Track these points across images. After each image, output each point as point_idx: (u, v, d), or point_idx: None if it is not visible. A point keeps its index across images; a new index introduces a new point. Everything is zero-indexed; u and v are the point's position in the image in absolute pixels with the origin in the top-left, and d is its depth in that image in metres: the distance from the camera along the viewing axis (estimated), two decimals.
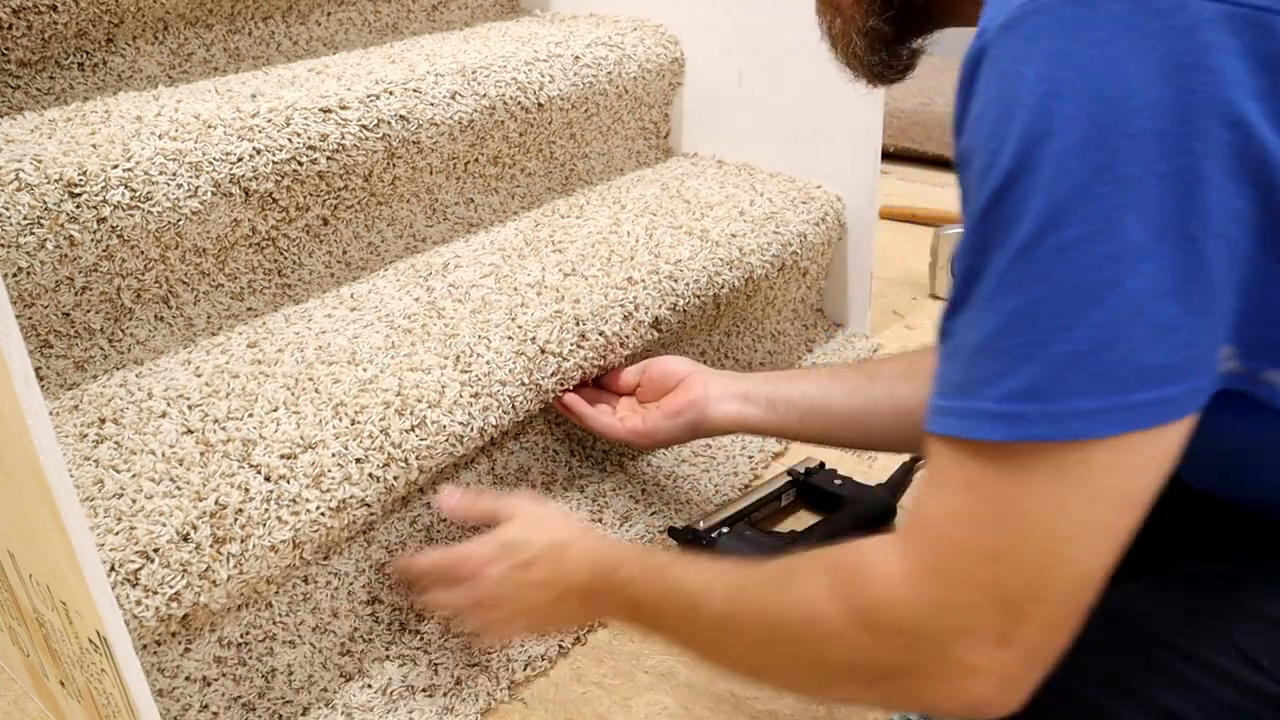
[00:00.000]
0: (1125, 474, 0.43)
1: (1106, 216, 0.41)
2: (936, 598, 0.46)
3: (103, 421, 0.76)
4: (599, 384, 0.94)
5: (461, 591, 0.71)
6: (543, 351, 0.86)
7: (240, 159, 0.86)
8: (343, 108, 0.94)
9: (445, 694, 0.76)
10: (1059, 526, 0.44)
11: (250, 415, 0.76)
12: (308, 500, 0.70)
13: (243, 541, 0.67)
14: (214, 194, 0.85)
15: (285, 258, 0.95)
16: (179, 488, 0.69)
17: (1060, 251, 0.42)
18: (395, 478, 0.75)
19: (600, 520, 0.93)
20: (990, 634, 0.45)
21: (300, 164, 0.90)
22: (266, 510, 0.69)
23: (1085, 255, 0.41)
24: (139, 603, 0.63)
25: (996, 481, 0.44)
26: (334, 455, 0.73)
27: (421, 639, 0.81)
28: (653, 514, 0.95)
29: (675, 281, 0.99)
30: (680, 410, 0.85)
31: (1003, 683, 0.45)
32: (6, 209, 0.74)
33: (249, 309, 0.93)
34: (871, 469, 1.04)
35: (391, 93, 0.98)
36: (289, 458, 0.72)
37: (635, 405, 0.91)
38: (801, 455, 1.03)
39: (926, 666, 0.46)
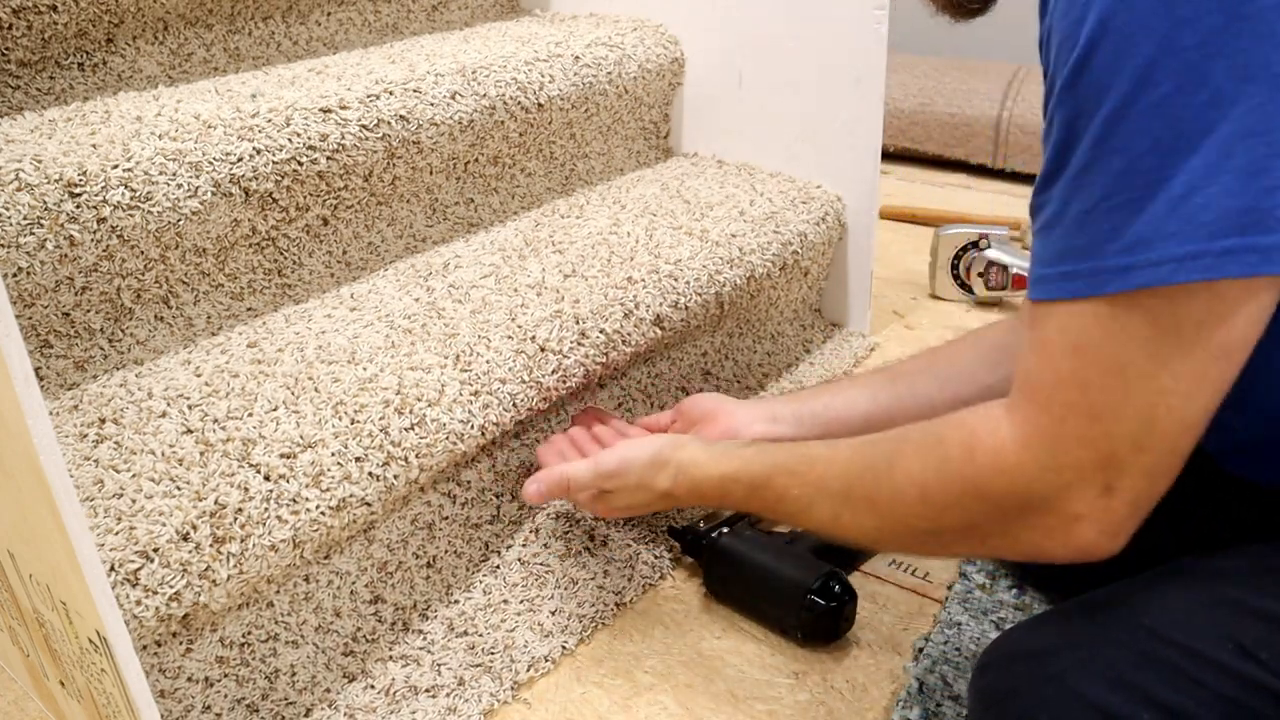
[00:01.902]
0: (1217, 324, 0.45)
1: (1195, 67, 0.42)
2: (1046, 460, 0.50)
3: (103, 421, 0.76)
4: (635, 424, 0.94)
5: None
6: (542, 350, 0.86)
7: (240, 159, 0.86)
8: (343, 108, 0.94)
9: (448, 694, 0.76)
10: (1158, 378, 0.46)
11: (250, 415, 0.76)
12: (308, 499, 0.70)
13: (243, 541, 0.67)
14: (214, 194, 0.85)
15: (285, 258, 0.95)
16: (179, 487, 0.69)
17: (1155, 107, 0.43)
18: (395, 476, 0.75)
19: (603, 519, 0.93)
20: (1096, 486, 0.49)
21: (300, 164, 0.90)
22: (266, 510, 0.69)
23: (1181, 107, 0.43)
24: (139, 603, 0.63)
25: (1101, 341, 0.47)
26: (334, 454, 0.73)
27: (425, 639, 0.81)
28: (655, 513, 0.95)
29: (675, 280, 0.99)
30: (713, 439, 0.85)
31: (1107, 527, 0.50)
32: (6, 209, 0.74)
33: (249, 309, 0.93)
34: None
35: (391, 93, 0.98)
36: (289, 457, 0.72)
37: None
38: None
39: (1037, 521, 0.51)
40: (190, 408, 0.77)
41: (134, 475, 0.70)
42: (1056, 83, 0.47)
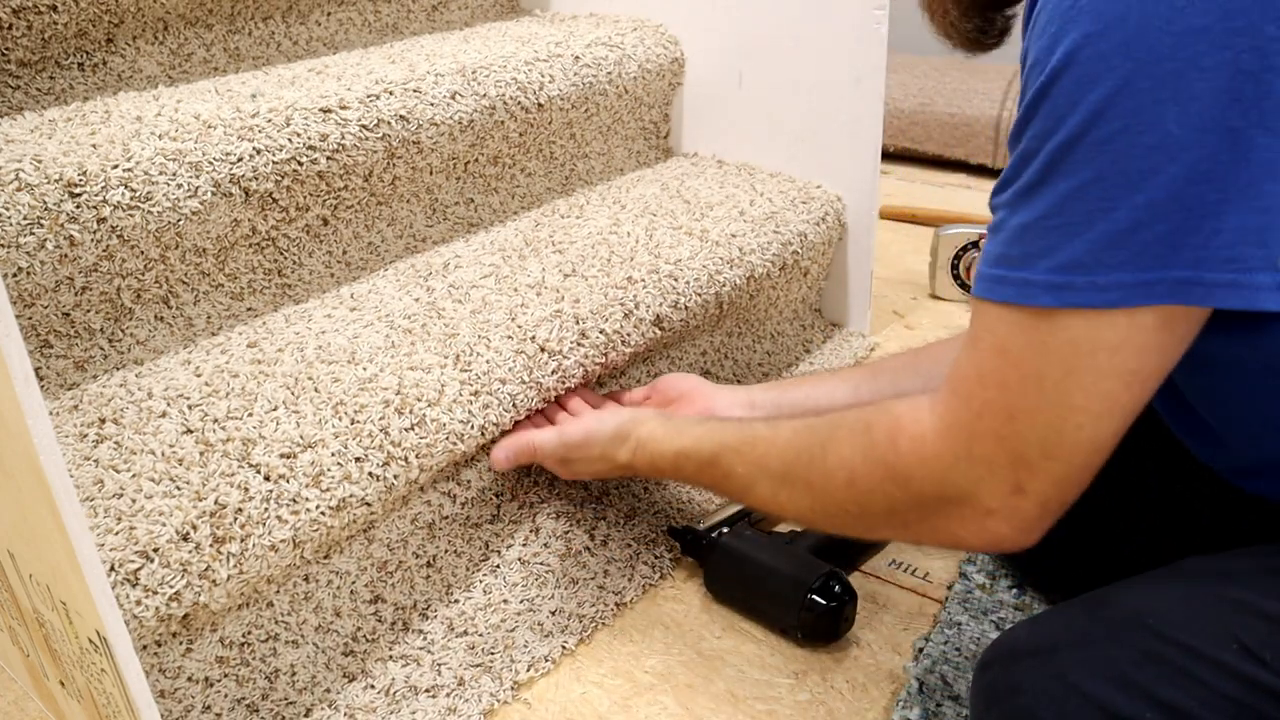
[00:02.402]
0: (1132, 351, 0.48)
1: (1148, 110, 0.44)
2: (962, 450, 0.53)
3: (103, 421, 0.76)
4: (609, 398, 0.95)
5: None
6: (542, 350, 0.86)
7: (240, 159, 0.86)
8: (343, 108, 0.94)
9: (448, 694, 0.76)
10: (1071, 394, 0.49)
11: (250, 415, 0.76)
12: (307, 499, 0.70)
13: (243, 541, 0.67)
14: (214, 194, 0.85)
15: (285, 258, 0.95)
16: (179, 487, 0.69)
17: (1105, 142, 0.45)
18: (395, 476, 0.75)
19: (604, 519, 0.93)
20: (1006, 483, 0.52)
21: (300, 164, 0.90)
22: (266, 510, 0.69)
23: (1128, 145, 0.45)
24: (139, 602, 0.63)
25: (1023, 349, 0.50)
26: (334, 454, 0.73)
27: (425, 638, 0.81)
28: (655, 513, 0.95)
29: (675, 280, 0.99)
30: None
31: (1018, 524, 0.53)
32: (6, 209, 0.74)
33: (249, 309, 0.93)
34: None
35: (391, 93, 0.98)
36: (289, 457, 0.72)
37: None
38: None
39: (953, 511, 0.54)
40: (190, 408, 0.78)
41: (134, 475, 0.70)
42: (1024, 101, 0.49)
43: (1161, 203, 0.45)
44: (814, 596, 0.79)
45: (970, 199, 1.81)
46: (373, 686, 0.76)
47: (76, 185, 0.77)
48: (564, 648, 0.81)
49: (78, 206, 0.77)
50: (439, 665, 0.78)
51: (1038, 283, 0.48)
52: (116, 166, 0.79)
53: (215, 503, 0.68)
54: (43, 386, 0.80)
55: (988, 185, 1.90)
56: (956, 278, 1.41)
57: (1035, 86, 0.48)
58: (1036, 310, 0.49)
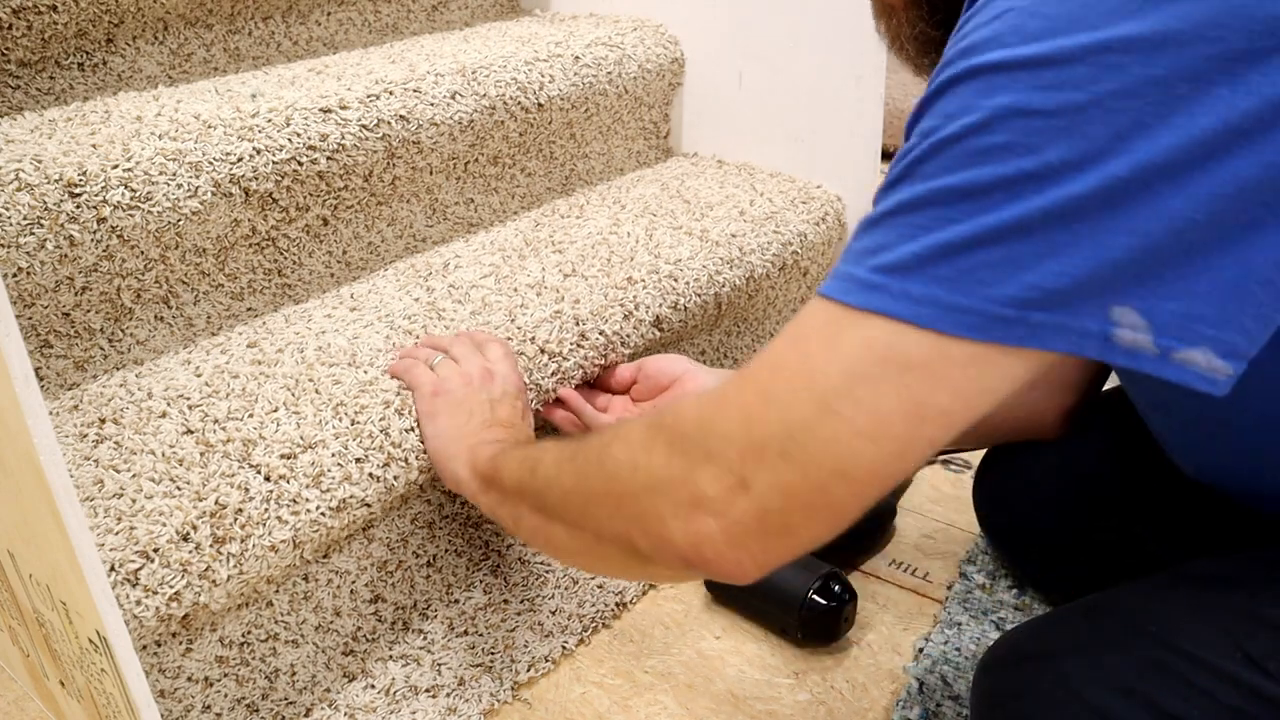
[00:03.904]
0: (926, 380, 0.42)
1: (1035, 133, 0.40)
2: (706, 415, 0.47)
3: (103, 421, 0.76)
4: (595, 381, 0.94)
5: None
6: (542, 351, 0.86)
7: (240, 159, 0.86)
8: (343, 108, 0.94)
9: (448, 694, 0.76)
10: (834, 399, 0.43)
11: (250, 415, 0.76)
12: (308, 500, 0.70)
13: (243, 541, 0.67)
14: (214, 194, 0.85)
15: (285, 258, 0.95)
16: (179, 488, 0.69)
17: (972, 155, 0.41)
18: (395, 477, 0.75)
19: None
20: (733, 470, 0.45)
21: (300, 164, 0.90)
22: (266, 510, 0.69)
23: (994, 163, 0.40)
24: (139, 603, 0.63)
25: (812, 338, 0.44)
26: (334, 455, 0.73)
27: (425, 638, 0.81)
28: None
29: (675, 281, 0.99)
30: None
31: (730, 530, 0.45)
32: (6, 209, 0.74)
33: (249, 309, 0.93)
34: None
35: (391, 93, 0.98)
36: (289, 458, 0.72)
37: (629, 405, 0.91)
38: None
39: (671, 488, 0.47)
40: (190, 408, 0.78)
41: (134, 475, 0.70)
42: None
43: (1006, 231, 0.40)
44: (814, 596, 0.79)
45: None
46: (373, 686, 0.76)
47: (76, 185, 0.77)
48: (564, 648, 0.81)
49: (78, 206, 0.77)
50: (439, 665, 0.78)
51: (857, 279, 0.43)
52: (116, 166, 0.79)
53: (215, 503, 0.68)
54: (43, 386, 0.80)
55: None
56: None
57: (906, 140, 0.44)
58: (844, 306, 0.43)
